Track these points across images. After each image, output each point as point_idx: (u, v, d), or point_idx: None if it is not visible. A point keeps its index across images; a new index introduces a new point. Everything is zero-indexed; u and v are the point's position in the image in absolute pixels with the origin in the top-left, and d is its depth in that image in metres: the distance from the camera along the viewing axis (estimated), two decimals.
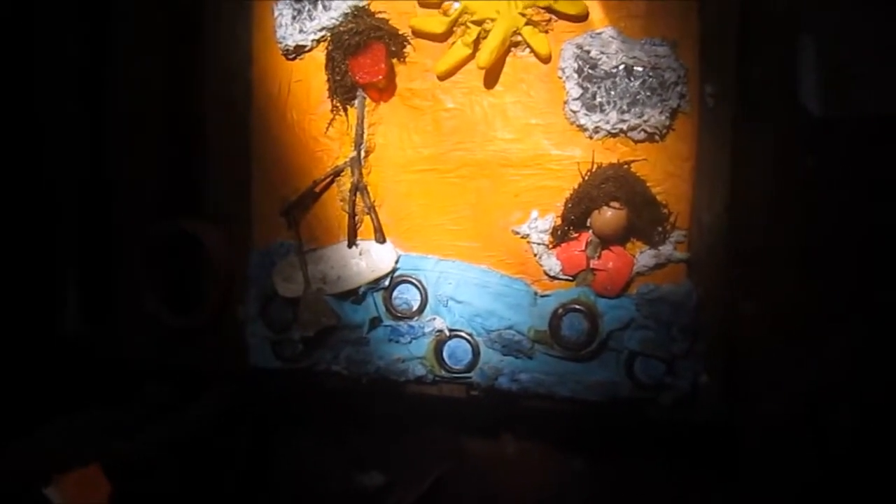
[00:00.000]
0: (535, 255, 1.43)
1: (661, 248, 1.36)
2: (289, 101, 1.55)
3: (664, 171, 1.36)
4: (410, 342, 1.50)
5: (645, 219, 1.33)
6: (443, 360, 1.48)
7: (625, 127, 1.35)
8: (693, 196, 1.36)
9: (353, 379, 1.54)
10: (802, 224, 1.40)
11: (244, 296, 1.60)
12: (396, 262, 1.49)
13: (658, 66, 1.33)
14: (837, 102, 1.45)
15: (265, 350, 1.59)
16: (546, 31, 1.40)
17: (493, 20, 1.40)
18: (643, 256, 1.37)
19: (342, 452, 1.69)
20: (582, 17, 1.38)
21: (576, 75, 1.37)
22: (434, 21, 1.44)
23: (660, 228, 1.35)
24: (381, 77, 1.44)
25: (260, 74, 1.57)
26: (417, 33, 1.47)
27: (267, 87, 1.57)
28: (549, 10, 1.38)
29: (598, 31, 1.37)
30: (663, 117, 1.33)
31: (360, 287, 1.50)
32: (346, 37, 1.44)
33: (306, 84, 1.54)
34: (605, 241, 1.37)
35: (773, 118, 1.40)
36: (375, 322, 1.51)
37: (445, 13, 1.44)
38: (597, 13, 1.38)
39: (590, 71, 1.36)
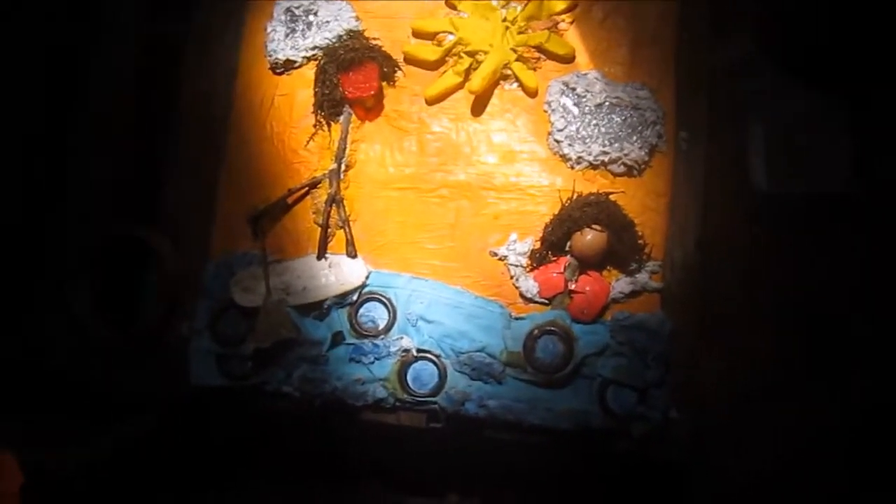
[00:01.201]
0: (512, 277, 1.43)
1: (637, 276, 1.39)
2: (271, 113, 1.56)
3: (641, 205, 1.42)
4: (373, 362, 1.43)
5: (624, 244, 1.37)
6: (406, 383, 1.42)
7: (606, 159, 1.42)
8: (667, 230, 1.43)
9: (305, 401, 1.44)
10: (765, 278, 1.48)
11: (193, 309, 1.51)
12: (367, 277, 1.46)
13: (639, 106, 1.43)
14: (781, 180, 1.59)
15: (209, 366, 1.47)
16: (534, 69, 1.49)
17: (485, 52, 1.48)
18: (619, 283, 1.40)
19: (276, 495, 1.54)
20: (569, 59, 1.49)
21: (561, 109, 1.45)
22: (428, 49, 1.52)
23: (636, 257, 1.39)
24: (371, 93, 1.48)
25: (244, 85, 1.58)
26: (410, 60, 1.53)
27: (249, 98, 1.57)
28: (539, 48, 1.49)
29: (583, 72, 1.48)
30: (643, 153, 1.42)
31: (325, 300, 1.45)
32: (342, 52, 1.49)
33: (291, 98, 1.56)
34: (585, 263, 1.39)
35: (738, 174, 1.51)
36: (338, 338, 1.44)
37: (440, 43, 1.52)
38: (582, 57, 1.49)
39: (574, 106, 1.45)
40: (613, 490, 1.47)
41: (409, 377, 1.43)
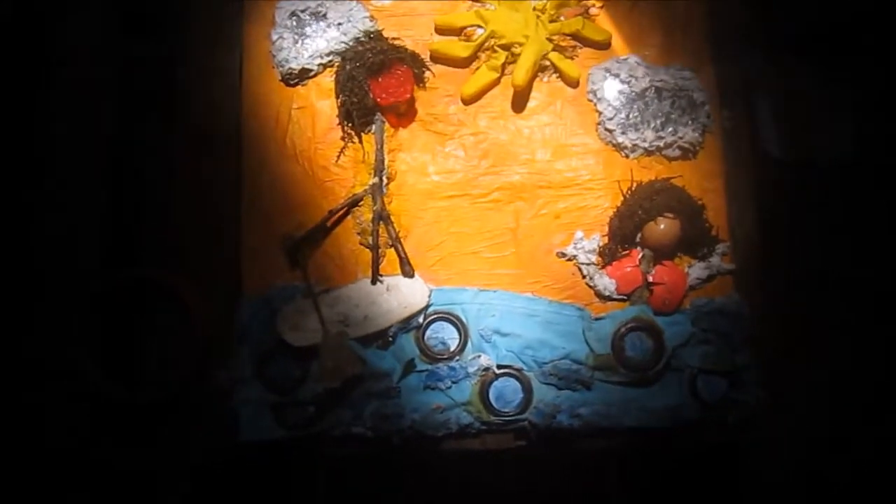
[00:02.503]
0: (585, 277, 1.38)
1: (710, 259, 1.38)
2: (290, 129, 1.42)
3: (699, 187, 1.41)
4: (451, 387, 1.34)
5: (697, 228, 1.36)
6: (490, 403, 1.33)
7: (661, 144, 1.40)
8: (728, 210, 1.42)
9: (381, 441, 1.32)
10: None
11: (231, 357, 1.34)
12: (430, 296, 1.36)
13: (685, 87, 1.42)
14: (789, 149, 1.63)
15: (262, 418, 1.32)
16: (572, 58, 1.44)
17: (520, 44, 1.42)
18: (695, 269, 1.38)
19: None
20: (606, 45, 1.45)
21: (608, 97, 1.41)
22: (458, 45, 1.43)
23: (707, 240, 1.38)
24: (407, 96, 1.38)
25: (252, 101, 1.43)
26: (438, 58, 1.44)
27: (261, 116, 1.43)
28: (574, 36, 1.44)
29: (622, 57, 1.44)
30: (696, 134, 1.41)
31: (389, 327, 1.34)
32: (370, 55, 1.37)
33: (311, 111, 1.43)
34: (660, 253, 1.36)
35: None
36: (409, 367, 1.34)
37: (468, 38, 1.44)
38: (618, 42, 1.46)
39: (621, 93, 1.42)
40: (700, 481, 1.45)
41: (491, 397, 1.34)
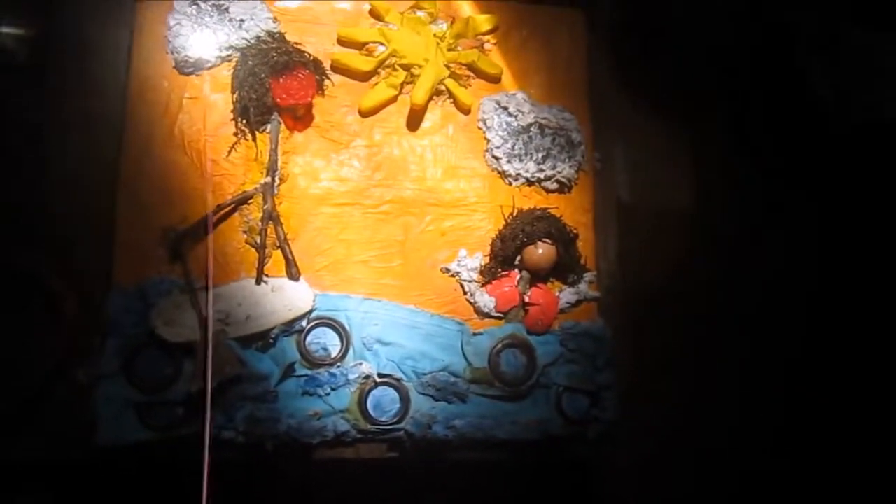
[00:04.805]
0: (467, 293, 1.45)
1: (579, 286, 1.50)
2: (179, 119, 1.38)
3: (573, 220, 1.54)
4: (329, 393, 1.34)
5: (570, 256, 1.48)
6: (367, 411, 1.35)
7: (542, 176, 1.52)
8: (595, 243, 1.56)
9: (252, 446, 1.29)
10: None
11: (95, 351, 1.26)
12: (313, 300, 1.36)
13: (565, 127, 1.55)
14: (637, 195, 1.82)
15: (125, 418, 1.25)
16: (466, 87, 1.53)
17: (420, 66, 1.49)
18: (565, 294, 1.49)
19: None
20: (497, 79, 1.56)
21: (497, 127, 1.51)
22: (360, 59, 1.48)
23: (577, 268, 1.50)
24: (308, 100, 1.39)
25: (139, 85, 1.38)
26: (339, 68, 1.47)
27: (148, 101, 1.38)
28: (470, 66, 1.53)
29: (511, 92, 1.55)
30: (572, 171, 1.54)
31: (272, 329, 1.32)
32: (274, 54, 1.37)
33: (203, 102, 1.40)
34: (536, 276, 1.47)
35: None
36: (289, 371, 1.32)
37: (370, 54, 1.48)
38: (507, 78, 1.57)
39: (508, 124, 1.52)
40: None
41: (369, 405, 1.36)
